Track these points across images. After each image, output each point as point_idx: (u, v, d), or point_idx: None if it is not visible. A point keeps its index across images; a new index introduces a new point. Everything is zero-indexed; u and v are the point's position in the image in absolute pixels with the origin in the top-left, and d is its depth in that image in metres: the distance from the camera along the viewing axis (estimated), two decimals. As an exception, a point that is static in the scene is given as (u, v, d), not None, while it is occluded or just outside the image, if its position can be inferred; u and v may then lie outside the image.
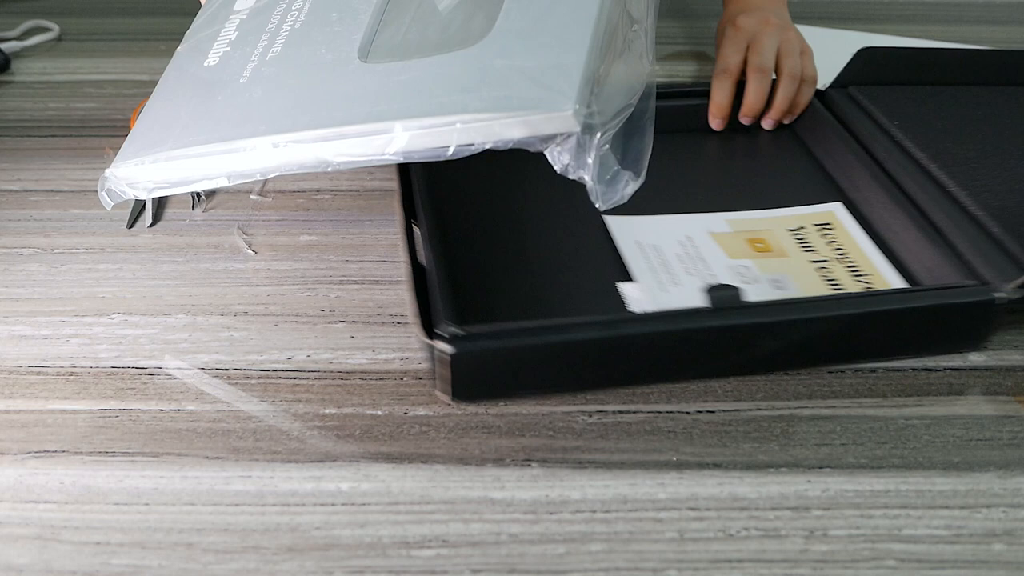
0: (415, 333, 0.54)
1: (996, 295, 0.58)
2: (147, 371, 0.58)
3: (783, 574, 0.47)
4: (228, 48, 0.65)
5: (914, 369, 0.59)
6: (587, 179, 0.53)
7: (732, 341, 0.56)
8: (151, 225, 0.71)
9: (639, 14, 0.61)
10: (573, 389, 0.56)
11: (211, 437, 0.53)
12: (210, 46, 0.66)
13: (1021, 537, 0.49)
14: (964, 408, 0.56)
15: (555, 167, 0.53)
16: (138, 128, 0.64)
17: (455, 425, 0.54)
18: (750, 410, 0.56)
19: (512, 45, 0.56)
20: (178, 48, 0.69)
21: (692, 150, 0.77)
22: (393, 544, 0.48)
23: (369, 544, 0.48)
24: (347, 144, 0.56)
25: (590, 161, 0.52)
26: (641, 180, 0.55)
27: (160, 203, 0.73)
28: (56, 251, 0.68)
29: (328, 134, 0.56)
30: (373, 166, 0.77)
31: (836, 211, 0.69)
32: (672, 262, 0.63)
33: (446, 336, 0.52)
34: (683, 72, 0.93)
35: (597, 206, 0.54)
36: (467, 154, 0.54)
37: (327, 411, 0.55)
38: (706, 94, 0.78)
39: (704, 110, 0.78)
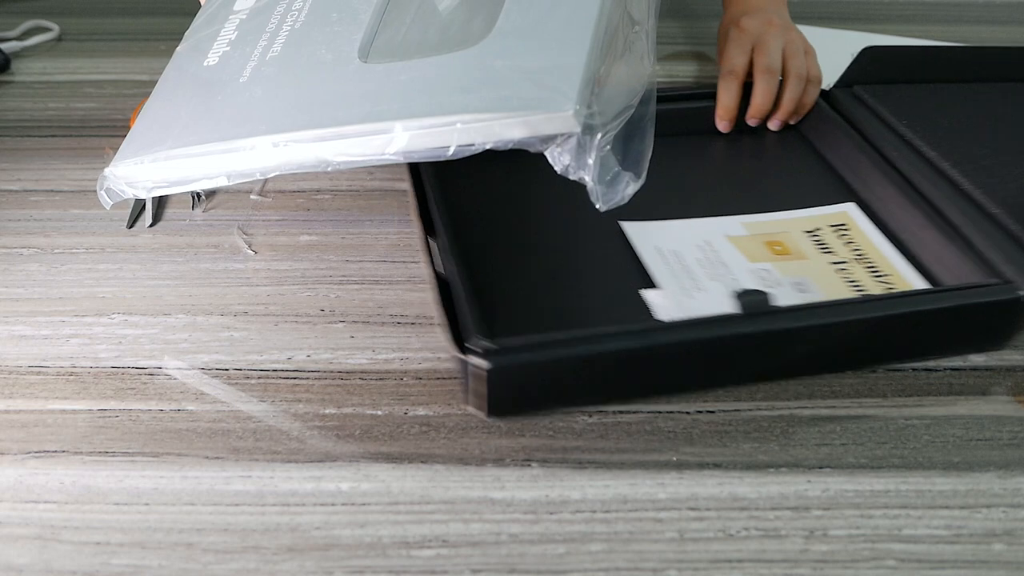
0: (446, 348, 0.53)
1: (1022, 293, 0.57)
2: (147, 371, 0.58)
3: (783, 574, 0.47)
4: (228, 48, 0.65)
5: (914, 369, 0.59)
6: (587, 180, 0.53)
7: (766, 347, 0.56)
8: (151, 225, 0.71)
9: (640, 15, 0.61)
10: (607, 400, 0.55)
11: (211, 437, 0.53)
12: (210, 46, 0.66)
13: (1021, 537, 0.49)
14: (964, 408, 0.56)
15: (555, 168, 0.53)
16: (137, 127, 0.64)
17: (455, 425, 0.54)
18: (750, 410, 0.56)
19: (512, 46, 0.56)
20: (178, 48, 0.69)
21: (699, 152, 0.77)
22: (393, 544, 0.48)
23: (369, 544, 0.48)
24: (347, 144, 0.56)
25: (591, 162, 0.52)
26: (642, 181, 0.54)
27: (160, 203, 0.73)
28: (56, 251, 0.68)
29: (328, 134, 0.56)
30: (373, 166, 0.77)
31: (850, 211, 0.69)
32: (694, 267, 0.62)
33: (479, 351, 0.51)
34: (683, 72, 0.93)
35: (597, 207, 0.54)
36: (467, 154, 0.54)
37: (327, 411, 0.55)
38: (710, 96, 0.78)
39: (709, 112, 0.78)
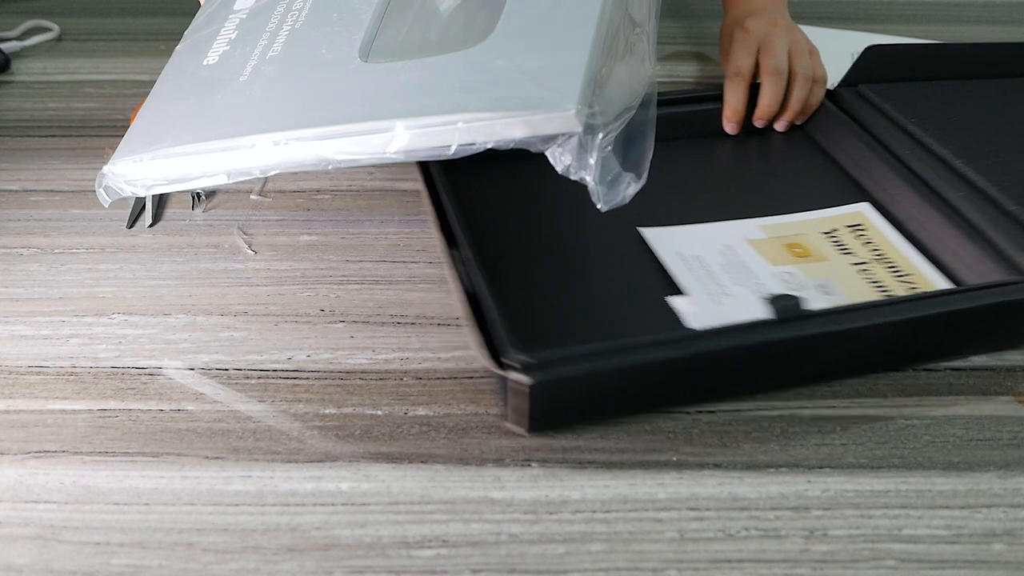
0: (484, 365, 0.52)
1: None
2: (147, 371, 0.58)
3: (783, 574, 0.47)
4: (228, 47, 0.65)
5: (914, 369, 0.59)
6: (589, 180, 0.53)
7: (803, 351, 0.55)
8: (151, 225, 0.71)
9: (641, 17, 0.60)
10: (645, 410, 0.55)
11: (211, 437, 0.53)
12: (209, 45, 0.66)
13: (1021, 537, 0.49)
14: (964, 408, 0.56)
15: (557, 168, 0.53)
16: (136, 126, 0.64)
17: (455, 425, 0.54)
18: (750, 410, 0.56)
19: (514, 46, 0.56)
20: (177, 47, 0.69)
21: (706, 155, 0.77)
22: (393, 544, 0.48)
23: (369, 544, 0.48)
24: (348, 142, 0.56)
25: (592, 162, 0.52)
26: (643, 181, 0.54)
27: (160, 203, 0.73)
28: (56, 251, 0.68)
29: (329, 132, 0.56)
30: (373, 166, 0.77)
31: (864, 211, 0.69)
32: (718, 272, 0.62)
33: (518, 366, 0.50)
34: (683, 72, 0.93)
35: (599, 207, 0.53)
36: (468, 153, 0.54)
37: (327, 411, 0.55)
38: (713, 99, 0.78)
39: (715, 114, 0.77)
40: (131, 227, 0.70)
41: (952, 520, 0.49)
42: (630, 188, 0.54)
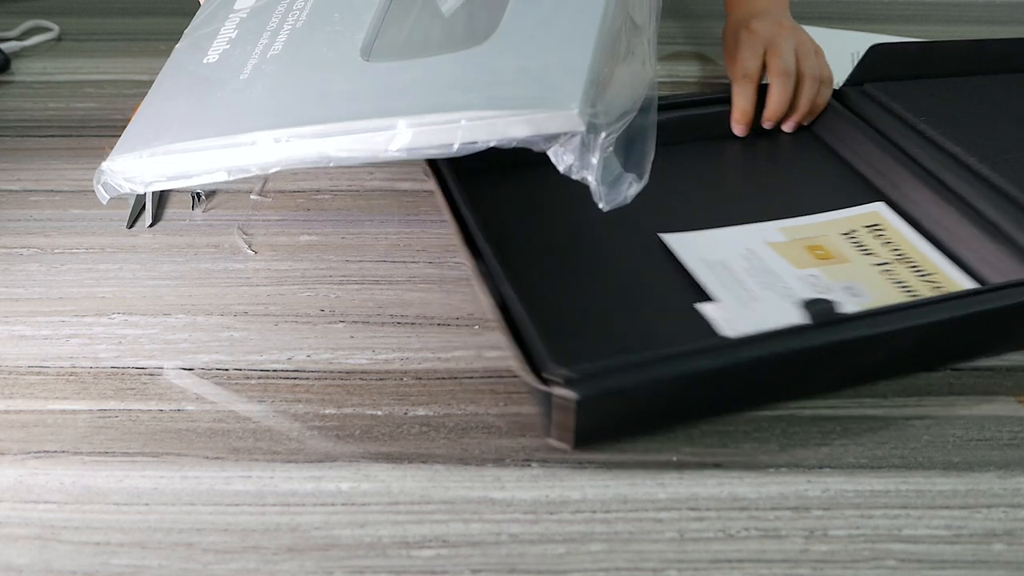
0: (526, 381, 0.51)
1: None
2: (147, 371, 0.58)
3: (783, 574, 0.47)
4: (228, 46, 0.65)
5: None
6: (590, 179, 0.53)
7: (841, 355, 0.55)
8: (151, 225, 0.71)
9: (642, 21, 0.60)
10: (687, 420, 0.54)
11: (211, 437, 0.53)
12: (209, 44, 0.66)
13: (1021, 537, 0.49)
14: (964, 408, 0.56)
15: (559, 167, 0.53)
16: (135, 122, 0.64)
17: (455, 425, 0.54)
18: (750, 410, 0.56)
19: (517, 46, 0.56)
20: (176, 46, 0.69)
21: (716, 158, 0.77)
22: (393, 544, 0.48)
23: (369, 544, 0.48)
24: (350, 140, 0.56)
25: (594, 161, 0.52)
26: (644, 182, 0.54)
27: (160, 203, 0.73)
28: (56, 251, 0.68)
29: (331, 129, 0.56)
30: (374, 166, 0.77)
31: (880, 211, 0.69)
32: (743, 277, 0.61)
33: (561, 380, 0.49)
34: (683, 72, 0.93)
35: (600, 206, 0.53)
36: (470, 152, 0.54)
37: (327, 411, 0.55)
38: (719, 101, 0.78)
39: (721, 117, 0.77)
40: (131, 227, 0.70)
41: (952, 520, 0.49)
42: (632, 188, 0.54)
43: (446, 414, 0.55)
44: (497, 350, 0.59)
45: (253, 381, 0.57)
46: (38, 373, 0.58)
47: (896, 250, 0.65)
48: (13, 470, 0.51)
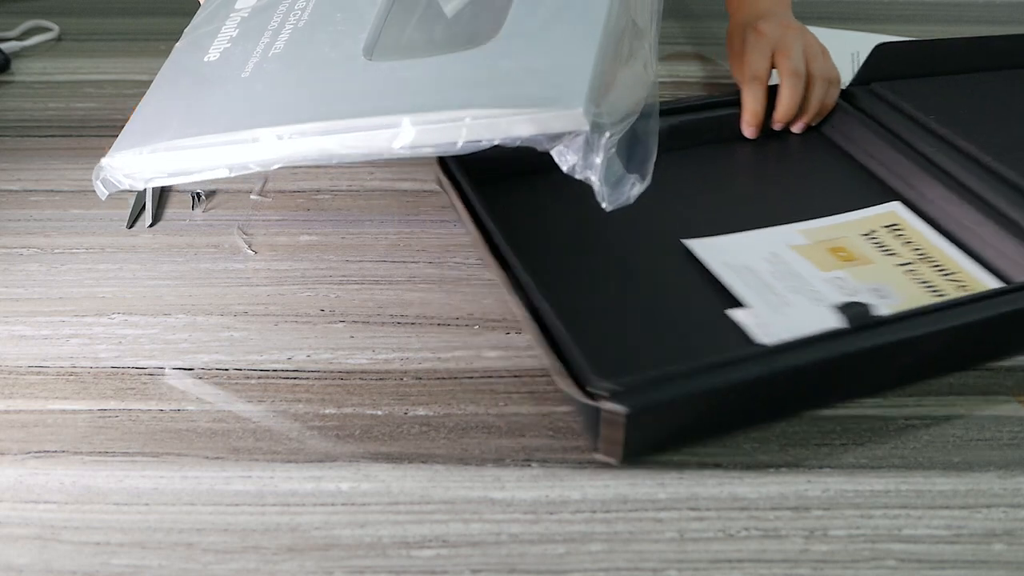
0: (571, 396, 0.50)
1: None
2: (147, 371, 0.58)
3: (783, 574, 0.47)
4: (229, 45, 0.65)
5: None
6: (594, 179, 0.53)
7: (882, 357, 0.55)
8: (151, 225, 0.71)
9: (643, 24, 0.60)
10: (733, 429, 0.54)
11: (211, 437, 0.53)
12: (210, 42, 0.66)
13: (1021, 537, 0.49)
14: (964, 408, 0.56)
15: (562, 167, 0.53)
16: (134, 119, 0.64)
17: (455, 425, 0.54)
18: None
19: (520, 46, 0.56)
20: (177, 44, 0.69)
21: (727, 161, 0.76)
22: (393, 544, 0.48)
23: (369, 544, 0.48)
24: (353, 137, 0.56)
25: (598, 161, 0.52)
26: (647, 182, 0.54)
27: (160, 203, 0.73)
28: (56, 251, 0.68)
29: (334, 126, 0.56)
30: (374, 165, 0.77)
31: (897, 210, 0.69)
32: (771, 282, 0.61)
33: (607, 394, 0.49)
34: (684, 72, 0.93)
35: (603, 206, 0.53)
36: (474, 150, 0.54)
37: (327, 411, 0.55)
38: (726, 104, 0.78)
39: (729, 120, 0.77)
40: (131, 227, 0.70)
41: (952, 520, 0.49)
42: (635, 189, 0.54)
43: (446, 414, 0.55)
44: (497, 350, 0.59)
45: (253, 381, 0.57)
46: (38, 373, 0.58)
47: (917, 249, 0.65)
48: (13, 470, 0.51)
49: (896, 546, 0.48)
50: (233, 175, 0.59)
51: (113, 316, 0.62)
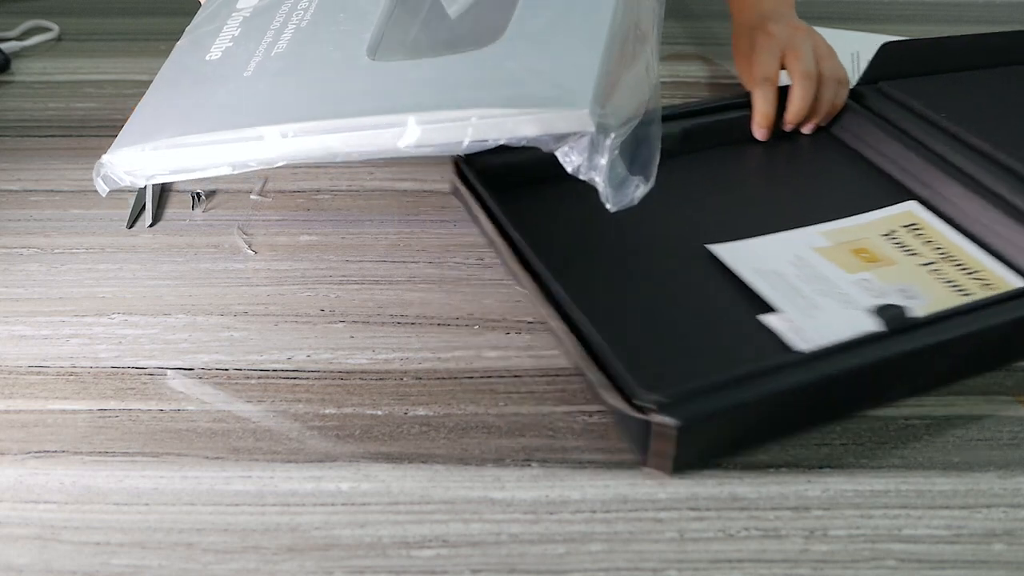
0: (619, 410, 0.50)
1: None
2: (147, 371, 0.58)
3: (783, 574, 0.47)
4: (231, 44, 0.65)
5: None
6: (598, 180, 0.53)
7: (923, 359, 0.55)
8: (151, 225, 0.71)
9: (646, 27, 0.60)
10: (777, 437, 0.53)
11: (211, 437, 0.53)
12: (212, 41, 0.66)
13: (1021, 537, 0.49)
14: (964, 408, 0.56)
15: (567, 168, 0.53)
16: (135, 116, 0.64)
17: (455, 425, 0.54)
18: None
19: (526, 48, 0.56)
20: (178, 43, 0.69)
21: (738, 164, 0.76)
22: (393, 544, 0.48)
23: (369, 544, 0.48)
24: (358, 136, 0.56)
25: (603, 162, 0.52)
26: (651, 184, 0.54)
27: (160, 203, 0.73)
28: (56, 251, 0.68)
29: (340, 125, 0.56)
30: (374, 165, 0.77)
31: (914, 209, 0.69)
32: (799, 285, 0.60)
33: (654, 407, 0.49)
34: (684, 72, 0.93)
35: (607, 207, 0.53)
36: (479, 150, 0.54)
37: (327, 411, 0.55)
38: (735, 107, 0.77)
39: (739, 123, 0.77)
40: (131, 227, 0.70)
41: (952, 520, 0.49)
42: (639, 190, 0.53)
43: (446, 414, 0.55)
44: (497, 350, 0.59)
45: (253, 381, 0.57)
46: (38, 373, 0.58)
47: (938, 248, 0.64)
48: (13, 470, 0.51)
49: (896, 546, 0.48)
50: (235, 173, 0.59)
51: (113, 316, 0.62)
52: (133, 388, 0.56)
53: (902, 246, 0.65)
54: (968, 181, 0.68)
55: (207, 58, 0.65)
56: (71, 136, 0.82)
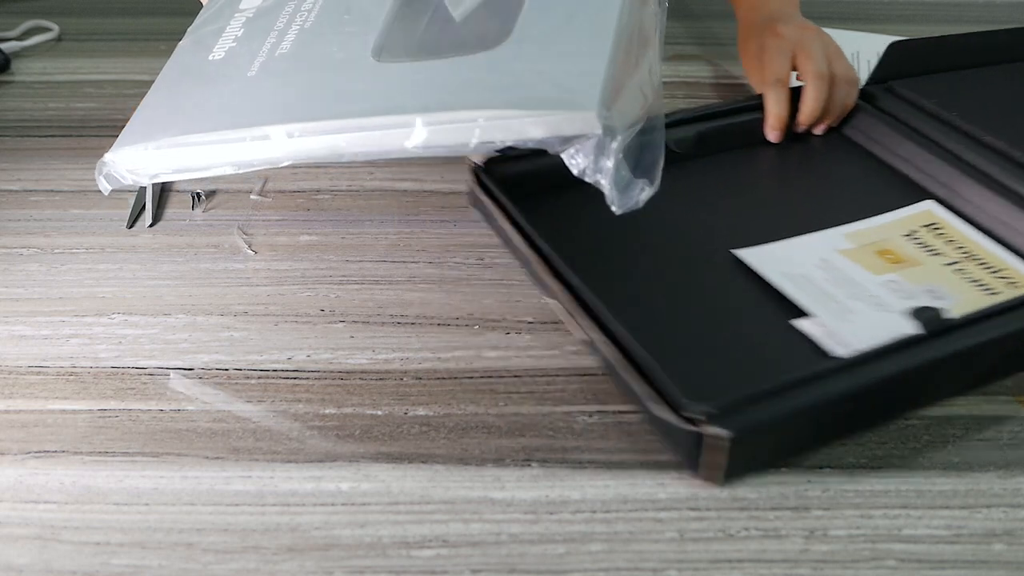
0: (667, 422, 0.49)
1: None
2: (147, 371, 0.58)
3: (783, 574, 0.47)
4: (234, 44, 0.65)
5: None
6: (604, 183, 0.53)
7: (964, 360, 0.55)
8: (151, 225, 0.71)
9: (649, 31, 0.60)
10: (823, 443, 0.53)
11: (211, 437, 0.53)
12: (215, 41, 0.66)
13: (1021, 537, 0.49)
14: (964, 408, 0.56)
15: (572, 170, 0.53)
16: (138, 116, 0.64)
17: (455, 425, 0.54)
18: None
19: (533, 50, 0.56)
20: (180, 43, 0.69)
21: (751, 167, 0.76)
22: (393, 544, 0.48)
23: (369, 544, 0.48)
24: (365, 136, 0.56)
25: (609, 165, 0.52)
26: (655, 187, 0.54)
27: (160, 203, 0.73)
28: (56, 251, 0.68)
29: (346, 125, 0.56)
30: (374, 165, 0.77)
31: (933, 209, 0.68)
32: (829, 289, 0.60)
33: (704, 418, 0.48)
34: (684, 72, 0.93)
35: (613, 209, 0.53)
36: (485, 151, 0.54)
37: (327, 411, 0.55)
38: (747, 109, 0.77)
39: (750, 125, 0.76)
40: (131, 227, 0.70)
41: (952, 520, 0.49)
42: (644, 193, 0.53)
43: (446, 414, 0.55)
44: (497, 350, 0.59)
45: (253, 381, 0.57)
46: (38, 373, 0.58)
47: (961, 248, 0.64)
48: (13, 470, 0.51)
49: (896, 546, 0.48)
50: (239, 172, 0.59)
51: (113, 316, 0.62)
52: (133, 388, 0.57)
53: (925, 246, 0.65)
54: (984, 179, 0.68)
55: (210, 58, 0.65)
56: (71, 136, 0.82)
